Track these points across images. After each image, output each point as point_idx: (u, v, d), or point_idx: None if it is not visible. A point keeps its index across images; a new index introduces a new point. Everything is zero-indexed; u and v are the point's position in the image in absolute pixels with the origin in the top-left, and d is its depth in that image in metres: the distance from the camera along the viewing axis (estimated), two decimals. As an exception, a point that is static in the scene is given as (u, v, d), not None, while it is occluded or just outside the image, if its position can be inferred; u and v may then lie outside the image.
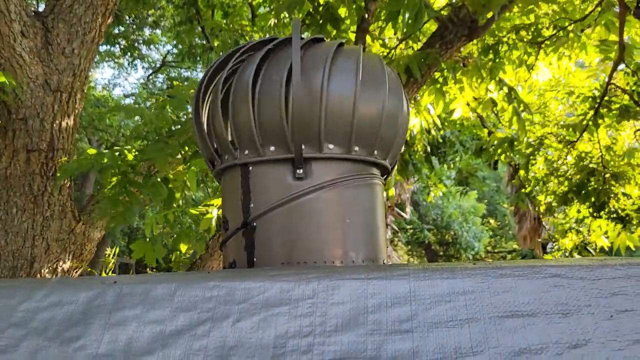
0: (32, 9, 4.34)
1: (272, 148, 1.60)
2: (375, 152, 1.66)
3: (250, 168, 1.63)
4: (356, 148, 1.62)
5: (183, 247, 4.06)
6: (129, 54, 10.71)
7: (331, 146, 1.59)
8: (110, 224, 3.74)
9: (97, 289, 0.83)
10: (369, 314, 0.79)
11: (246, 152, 1.64)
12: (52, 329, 0.76)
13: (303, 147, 1.56)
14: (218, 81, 1.72)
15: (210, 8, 7.24)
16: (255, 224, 1.60)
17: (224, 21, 6.92)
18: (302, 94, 1.51)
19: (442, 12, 4.53)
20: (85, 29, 4.31)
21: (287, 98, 1.54)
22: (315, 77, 1.55)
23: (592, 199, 7.72)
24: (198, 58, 8.85)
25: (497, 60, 5.65)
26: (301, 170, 1.57)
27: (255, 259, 1.57)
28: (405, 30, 3.90)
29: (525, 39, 6.10)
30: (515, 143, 8.49)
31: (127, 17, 8.19)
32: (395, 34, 5.23)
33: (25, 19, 4.02)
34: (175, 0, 7.53)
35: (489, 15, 4.30)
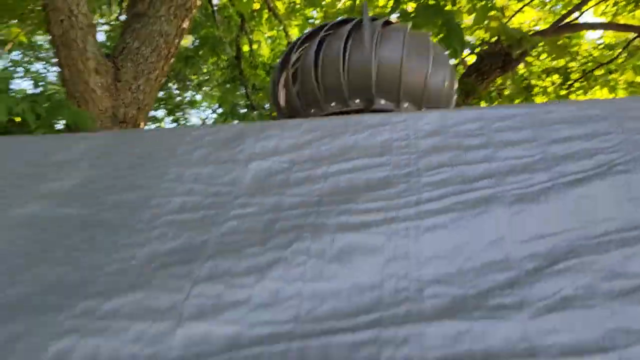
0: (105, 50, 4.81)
1: (333, 104, 1.87)
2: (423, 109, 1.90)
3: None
4: (405, 104, 1.87)
5: None
6: (172, 116, 11.10)
7: (382, 101, 1.85)
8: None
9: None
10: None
11: (312, 110, 1.91)
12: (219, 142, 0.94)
13: (358, 100, 1.80)
14: (290, 61, 2.01)
15: (254, 68, 7.61)
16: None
17: (267, 79, 7.30)
18: (360, 58, 1.78)
19: (479, 48, 4.86)
20: (150, 68, 4.75)
21: (344, 63, 1.82)
22: (367, 43, 1.84)
23: None
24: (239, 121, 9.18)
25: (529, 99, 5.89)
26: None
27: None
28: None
29: (555, 82, 6.36)
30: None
31: (172, 83, 8.61)
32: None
33: (99, 58, 4.48)
34: (220, 63, 7.90)
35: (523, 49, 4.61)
